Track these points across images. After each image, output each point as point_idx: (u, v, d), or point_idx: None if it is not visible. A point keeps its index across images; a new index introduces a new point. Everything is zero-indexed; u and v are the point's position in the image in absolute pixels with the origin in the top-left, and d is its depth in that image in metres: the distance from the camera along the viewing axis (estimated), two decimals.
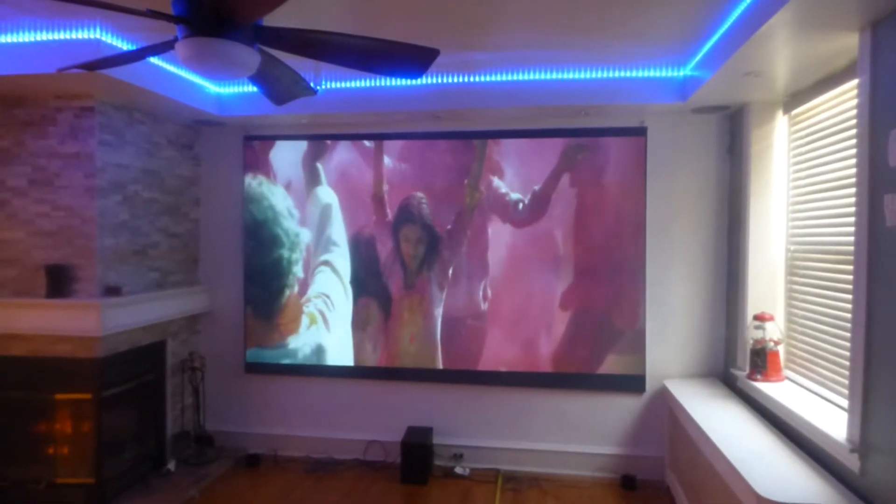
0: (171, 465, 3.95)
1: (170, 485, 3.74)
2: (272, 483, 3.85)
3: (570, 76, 3.52)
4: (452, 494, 3.70)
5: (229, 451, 4.25)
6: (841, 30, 2.21)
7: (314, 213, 4.16)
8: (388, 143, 4.07)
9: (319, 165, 4.13)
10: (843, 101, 2.65)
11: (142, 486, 3.69)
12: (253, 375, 4.32)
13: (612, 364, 3.89)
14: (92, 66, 2.15)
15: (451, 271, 4.02)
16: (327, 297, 4.14)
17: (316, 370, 4.23)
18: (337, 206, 4.12)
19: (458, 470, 3.98)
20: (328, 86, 3.77)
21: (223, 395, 4.38)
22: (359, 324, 4.14)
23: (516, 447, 4.04)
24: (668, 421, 3.77)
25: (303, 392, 4.29)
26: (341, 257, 4.13)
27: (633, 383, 3.89)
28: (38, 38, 2.96)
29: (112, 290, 3.45)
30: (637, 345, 3.86)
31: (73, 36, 2.92)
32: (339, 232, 4.12)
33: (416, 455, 3.86)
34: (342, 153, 4.14)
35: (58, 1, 1.69)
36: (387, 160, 4.07)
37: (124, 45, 3.01)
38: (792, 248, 3.24)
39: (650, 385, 3.89)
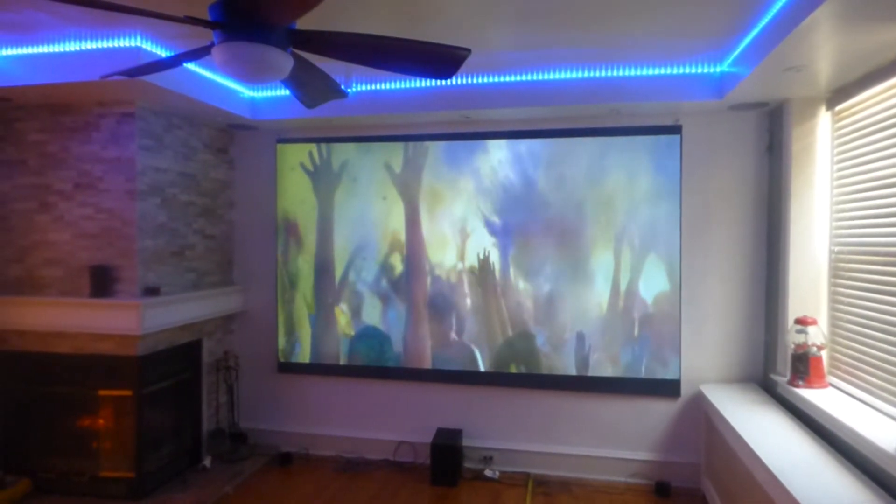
0: (207, 462, 4.04)
1: (206, 480, 3.83)
2: (304, 481, 3.90)
3: (603, 74, 3.47)
4: (482, 497, 3.68)
5: (262, 449, 4.32)
6: (889, 21, 2.11)
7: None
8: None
9: None
10: (892, 95, 2.53)
11: (179, 481, 3.79)
12: (285, 374, 4.39)
13: (646, 367, 3.82)
14: (133, 73, 2.23)
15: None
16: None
17: (347, 370, 4.27)
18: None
19: (488, 473, 3.96)
20: (359, 88, 3.81)
21: (256, 394, 4.46)
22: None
23: (547, 451, 3.99)
24: (704, 426, 3.67)
25: (334, 392, 4.33)
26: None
27: (667, 387, 3.80)
28: (82, 48, 3.07)
29: (151, 291, 3.56)
30: (672, 348, 3.78)
31: (115, 44, 3.03)
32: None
33: (446, 457, 3.85)
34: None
35: (100, 10, 1.75)
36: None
37: (163, 53, 3.10)
38: (836, 249, 3.11)
39: (685, 389, 3.80)
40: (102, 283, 3.49)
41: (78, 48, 3.08)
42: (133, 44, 3.00)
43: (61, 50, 3.10)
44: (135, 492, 3.53)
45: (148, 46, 3.03)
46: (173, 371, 3.88)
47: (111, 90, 3.28)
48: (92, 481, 3.57)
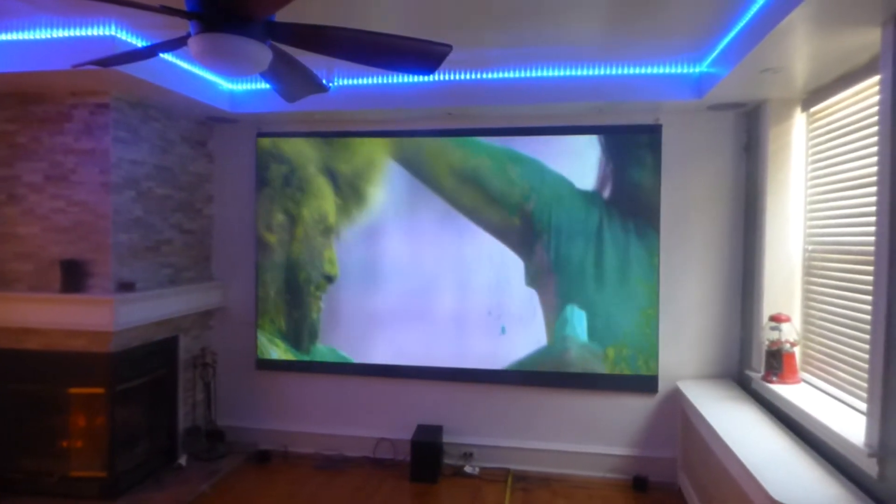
0: (183, 460, 3.98)
1: (181, 479, 3.77)
2: (282, 479, 3.86)
3: (585, 73, 3.49)
4: (462, 493, 3.68)
5: (240, 447, 4.27)
6: (862, 24, 2.16)
7: None
8: None
9: None
10: (865, 97, 2.59)
11: (154, 481, 3.72)
12: (264, 371, 4.34)
13: (624, 364, 3.86)
14: (105, 63, 2.17)
15: None
16: None
17: (326, 367, 4.23)
18: None
19: (468, 469, 3.97)
20: (341, 82, 3.77)
21: (234, 391, 4.40)
22: None
23: (527, 447, 4.02)
24: (680, 422, 3.72)
25: (313, 389, 4.30)
26: None
27: (645, 384, 3.85)
28: (54, 36, 2.99)
29: (125, 286, 3.48)
30: (649, 345, 3.82)
31: (89, 33, 2.95)
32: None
33: (426, 453, 3.85)
34: None
35: None
36: None
37: (139, 43, 3.03)
38: (809, 247, 3.18)
39: (663, 386, 3.85)
40: (74, 277, 3.40)
41: (49, 36, 2.99)
42: (107, 32, 2.92)
43: (32, 37, 3.01)
44: (107, 491, 3.46)
45: (122, 36, 2.96)
46: (148, 368, 3.81)
47: (84, 80, 3.19)
48: (62, 481, 3.48)
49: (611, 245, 3.84)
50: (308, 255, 4.21)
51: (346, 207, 4.17)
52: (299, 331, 4.25)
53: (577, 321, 3.89)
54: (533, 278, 3.95)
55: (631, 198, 3.81)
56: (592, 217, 3.85)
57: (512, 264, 3.98)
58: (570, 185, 3.88)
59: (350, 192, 4.15)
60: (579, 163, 3.86)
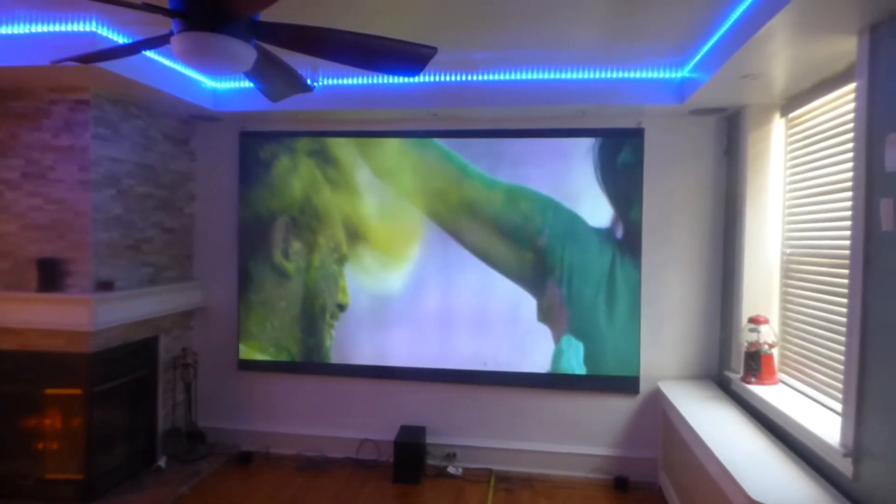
0: (162, 462, 3.92)
1: (161, 481, 3.72)
2: (264, 481, 3.83)
3: (569, 76, 3.52)
4: (445, 494, 3.69)
5: (221, 448, 4.23)
6: (839, 33, 2.21)
7: None
8: None
9: None
10: (841, 104, 2.65)
11: (132, 483, 3.67)
12: (245, 372, 4.30)
13: (606, 365, 3.90)
14: (86, 59, 2.13)
15: None
16: None
17: (309, 367, 4.21)
18: None
19: (451, 469, 3.97)
20: (325, 82, 3.75)
21: (215, 392, 4.35)
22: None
23: (509, 447, 4.03)
24: (661, 422, 3.77)
25: (296, 389, 4.27)
26: None
27: (626, 384, 3.89)
28: (34, 31, 2.93)
29: (105, 285, 3.43)
30: (631, 346, 3.86)
31: (69, 28, 2.90)
32: None
33: (409, 454, 3.85)
34: None
35: None
36: None
37: (120, 39, 2.98)
38: (787, 251, 3.24)
39: (644, 386, 3.89)
40: (51, 276, 3.34)
41: (28, 31, 2.93)
42: (88, 28, 2.87)
43: (10, 32, 2.95)
44: (84, 494, 3.39)
45: (104, 32, 2.91)
46: (128, 369, 3.75)
47: (64, 76, 3.14)
48: (38, 484, 3.41)
49: (622, 281, 3.86)
50: (324, 283, 4.18)
51: (358, 242, 4.15)
52: (312, 360, 4.23)
53: (574, 352, 3.91)
54: (546, 314, 3.96)
55: (636, 235, 3.85)
56: (605, 254, 3.87)
57: (522, 302, 3.98)
58: (582, 221, 3.89)
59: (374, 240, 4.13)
60: (592, 202, 3.89)
